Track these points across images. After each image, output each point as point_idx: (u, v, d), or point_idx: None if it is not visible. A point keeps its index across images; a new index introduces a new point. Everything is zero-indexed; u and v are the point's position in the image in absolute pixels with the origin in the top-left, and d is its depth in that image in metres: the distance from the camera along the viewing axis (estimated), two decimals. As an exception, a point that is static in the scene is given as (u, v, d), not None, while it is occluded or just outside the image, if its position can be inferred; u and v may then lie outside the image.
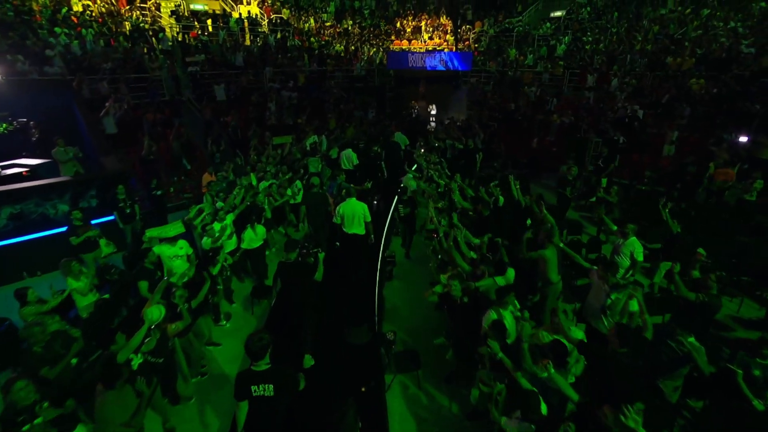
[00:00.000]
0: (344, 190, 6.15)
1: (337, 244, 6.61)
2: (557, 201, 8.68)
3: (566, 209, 8.59)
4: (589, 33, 17.52)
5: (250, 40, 16.68)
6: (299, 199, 8.06)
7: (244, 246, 6.13)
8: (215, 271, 5.11)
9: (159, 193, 8.26)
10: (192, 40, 15.00)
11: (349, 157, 10.16)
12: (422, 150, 10.60)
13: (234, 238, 6.14)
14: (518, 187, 6.69)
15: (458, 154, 11.04)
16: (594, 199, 9.31)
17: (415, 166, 9.96)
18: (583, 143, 11.41)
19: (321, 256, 4.67)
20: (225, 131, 11.18)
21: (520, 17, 21.47)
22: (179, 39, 14.69)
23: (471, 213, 6.00)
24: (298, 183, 8.17)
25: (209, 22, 15.93)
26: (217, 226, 5.80)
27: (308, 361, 4.58)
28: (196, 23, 15.49)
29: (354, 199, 5.96)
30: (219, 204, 6.44)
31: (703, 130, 11.22)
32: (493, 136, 13.90)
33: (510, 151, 14.35)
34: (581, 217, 9.34)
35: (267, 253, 7.47)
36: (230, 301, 6.13)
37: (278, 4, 20.48)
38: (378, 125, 13.92)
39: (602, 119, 12.44)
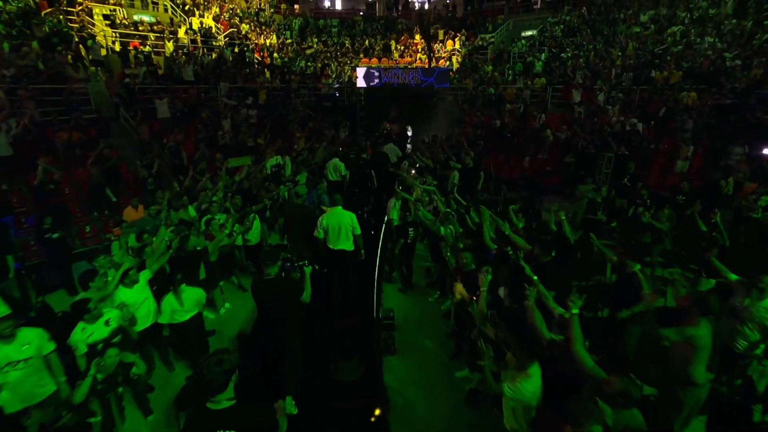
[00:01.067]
0: (329, 198, 5.30)
1: (317, 267, 4.76)
2: (585, 228, 7.14)
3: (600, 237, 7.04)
4: (568, 49, 17.00)
5: (203, 54, 14.71)
6: (255, 239, 6.02)
7: (162, 320, 4.00)
8: (79, 396, 2.92)
9: (56, 236, 5.92)
10: (133, 51, 12.81)
11: (337, 167, 8.91)
12: (412, 172, 8.89)
13: (150, 307, 3.99)
14: (564, 218, 5.00)
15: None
16: (615, 223, 7.89)
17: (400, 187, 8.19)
18: (593, 159, 10.16)
19: (308, 270, 3.80)
20: (163, 152, 8.99)
21: (493, 34, 20.97)
22: (116, 49, 12.46)
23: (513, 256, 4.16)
24: (256, 222, 6.09)
25: (151, 32, 13.84)
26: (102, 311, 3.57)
27: (290, 406, 3.61)
28: (138, 31, 13.34)
29: (340, 207, 5.05)
30: (125, 259, 4.27)
31: (705, 142, 10.39)
32: (481, 156, 12.53)
33: (500, 172, 13.04)
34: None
35: (212, 316, 5.32)
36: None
37: (236, 19, 18.74)
38: (353, 146, 12.17)
39: (601, 133, 11.38)
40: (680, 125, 10.66)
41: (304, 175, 9.65)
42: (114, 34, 12.53)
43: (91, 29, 12.75)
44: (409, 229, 6.34)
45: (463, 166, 10.84)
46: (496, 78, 17.51)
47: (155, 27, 13.40)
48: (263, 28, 19.43)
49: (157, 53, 13.79)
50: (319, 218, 5.08)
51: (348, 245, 5.08)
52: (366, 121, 17.68)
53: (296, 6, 25.13)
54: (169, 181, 7.79)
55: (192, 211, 6.05)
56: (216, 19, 18.01)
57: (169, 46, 13.28)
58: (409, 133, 19.49)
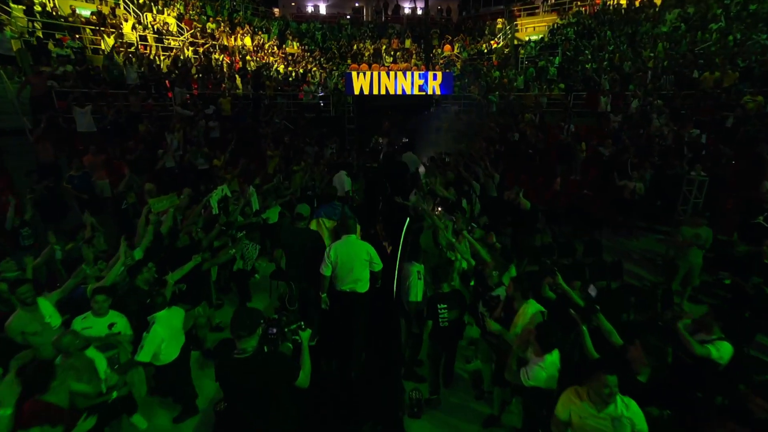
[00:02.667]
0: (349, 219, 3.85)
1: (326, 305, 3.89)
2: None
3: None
4: (587, 51, 14.90)
5: (157, 55, 11.98)
6: (146, 358, 3.22)
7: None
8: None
9: None
10: (52, 43, 9.98)
11: (342, 182, 7.63)
12: (437, 210, 6.20)
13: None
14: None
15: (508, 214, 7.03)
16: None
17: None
18: (673, 183, 7.71)
19: (305, 336, 2.64)
20: (57, 183, 6.15)
21: (495, 38, 18.89)
22: (33, 43, 9.62)
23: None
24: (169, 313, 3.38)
25: (87, 25, 11.03)
26: None
27: None
28: (67, 23, 10.52)
29: (354, 236, 3.84)
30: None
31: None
32: (503, 178, 10.08)
33: (527, 197, 10.57)
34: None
35: None
36: None
37: (203, 17, 16.10)
38: (341, 167, 9.55)
39: (658, 148, 9.04)
40: (763, 136, 8.38)
41: (275, 210, 6.98)
42: (31, 25, 9.71)
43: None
44: (442, 307, 3.75)
45: (485, 194, 8.38)
46: (505, 85, 15.28)
47: (91, 19, 10.68)
48: (237, 29, 16.85)
49: (96, 51, 11.01)
50: (327, 249, 3.83)
51: (361, 286, 3.87)
52: (356, 135, 15.13)
53: (276, 9, 22.74)
54: (46, 228, 4.96)
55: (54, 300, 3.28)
56: (180, 17, 15.32)
57: (108, 41, 10.53)
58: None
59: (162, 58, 12.05)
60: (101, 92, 9.13)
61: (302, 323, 2.69)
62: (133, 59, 10.57)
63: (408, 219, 7.03)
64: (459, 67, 18.23)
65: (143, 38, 12.04)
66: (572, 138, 11.17)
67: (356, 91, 14.01)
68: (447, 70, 18.01)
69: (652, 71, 12.18)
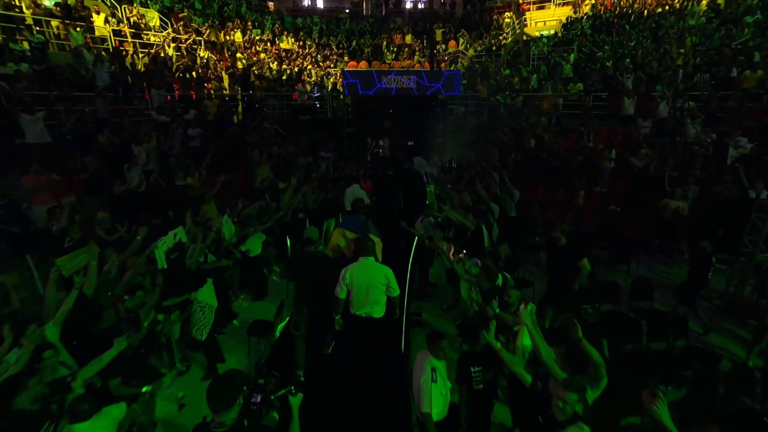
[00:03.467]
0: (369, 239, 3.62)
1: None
2: None
3: None
4: (607, 47, 13.67)
5: (134, 52, 10.76)
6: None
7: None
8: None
9: None
10: (15, 41, 8.78)
11: (356, 194, 7.07)
12: (449, 245, 4.99)
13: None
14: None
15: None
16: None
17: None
18: (734, 205, 6.51)
19: (296, 403, 2.23)
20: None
21: (504, 33, 17.66)
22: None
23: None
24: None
25: (52, 17, 9.78)
26: None
27: None
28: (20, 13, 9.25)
29: (372, 259, 3.60)
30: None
31: None
32: (513, 181, 8.96)
33: (548, 213, 9.43)
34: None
35: None
36: None
37: (191, 11, 14.84)
38: (339, 181, 8.44)
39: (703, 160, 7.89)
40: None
41: (258, 242, 5.87)
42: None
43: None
44: (476, 370, 2.92)
45: (503, 214, 7.25)
46: (515, 84, 14.07)
47: (54, 10, 9.46)
48: (227, 24, 15.58)
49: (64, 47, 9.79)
50: (343, 272, 3.55)
51: (377, 311, 3.62)
52: (354, 140, 13.94)
53: (270, 3, 21.44)
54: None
55: None
56: (165, 12, 14.05)
57: (76, 36, 9.31)
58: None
59: (141, 56, 10.85)
60: (62, 95, 7.95)
61: (292, 387, 2.28)
62: (105, 56, 9.36)
63: (414, 245, 5.93)
64: (465, 64, 17.02)
65: (118, 33, 10.81)
66: (594, 144, 10.02)
67: (356, 90, 12.81)
68: (453, 68, 16.81)
69: (683, 69, 10.97)
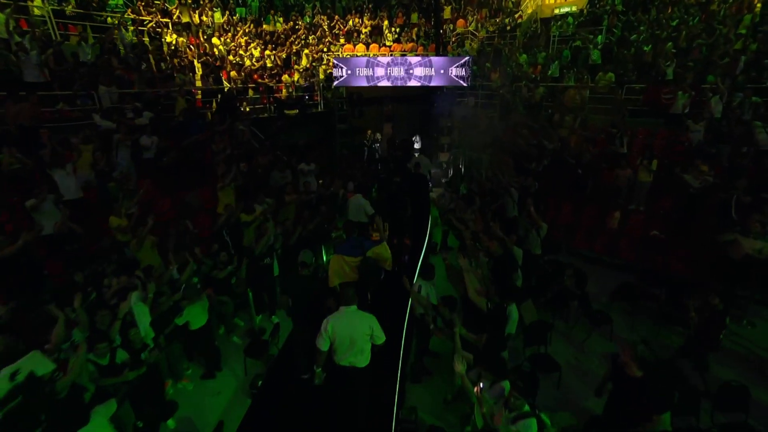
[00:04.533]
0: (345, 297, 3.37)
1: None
2: None
3: None
4: (643, 27, 11.66)
5: (83, 39, 9.04)
6: None
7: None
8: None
9: None
10: None
11: (360, 206, 6.52)
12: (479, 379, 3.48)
13: None
14: None
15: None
16: None
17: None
18: None
19: None
20: None
21: (519, 11, 15.54)
22: None
23: None
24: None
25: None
26: None
27: None
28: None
29: (355, 307, 3.37)
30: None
31: None
32: (537, 205, 7.36)
33: (575, 239, 7.87)
34: None
35: None
36: None
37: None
38: (320, 207, 6.92)
39: None
40: None
41: (200, 310, 4.46)
42: None
43: None
44: None
45: (526, 255, 5.76)
46: (534, 73, 12.17)
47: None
48: (203, 1, 13.64)
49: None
50: (324, 322, 3.29)
51: (361, 360, 3.39)
52: (347, 138, 12.31)
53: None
54: None
55: None
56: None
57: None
58: (417, 145, 14.22)
59: (91, 41, 9.14)
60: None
61: None
62: (30, 44, 7.55)
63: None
64: (475, 47, 15.03)
65: (60, 14, 9.07)
66: (629, 150, 8.36)
67: (349, 80, 11.08)
68: (460, 50, 14.84)
69: (744, 56, 9.07)
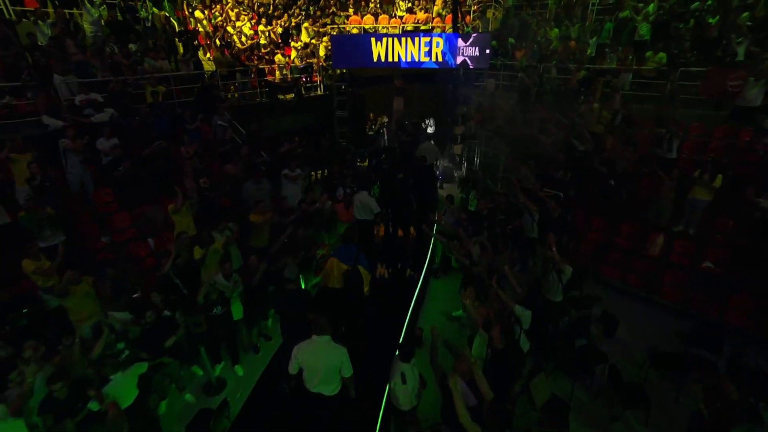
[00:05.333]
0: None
1: None
2: None
3: None
4: (707, -5, 9.57)
5: (39, 17, 7.92)
6: None
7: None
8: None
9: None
10: None
11: (365, 204, 6.17)
12: None
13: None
14: None
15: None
16: None
17: None
18: None
19: None
20: None
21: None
22: None
23: None
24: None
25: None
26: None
27: None
28: None
29: (328, 338, 3.31)
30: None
31: None
32: (563, 225, 6.07)
33: (603, 268, 6.55)
34: None
35: None
36: None
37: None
38: (300, 226, 5.88)
39: None
40: None
41: (130, 383, 3.58)
42: None
43: None
44: None
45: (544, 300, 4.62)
46: (570, 51, 10.34)
47: None
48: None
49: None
50: (296, 348, 3.36)
51: (330, 389, 3.38)
52: (348, 127, 11.01)
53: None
54: None
55: None
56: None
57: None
58: (430, 130, 12.80)
59: (52, 19, 8.02)
60: None
61: None
62: None
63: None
64: (499, 17, 13.08)
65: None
66: (680, 154, 6.82)
67: (348, 62, 9.66)
68: (479, 22, 12.93)
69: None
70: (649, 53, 9.01)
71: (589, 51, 10.07)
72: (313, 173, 10.32)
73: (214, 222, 5.34)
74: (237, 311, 4.92)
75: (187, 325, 4.36)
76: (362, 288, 4.79)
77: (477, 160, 10.48)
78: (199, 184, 5.62)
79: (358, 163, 9.40)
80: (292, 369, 3.36)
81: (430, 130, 13.13)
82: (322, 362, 3.29)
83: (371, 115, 12.97)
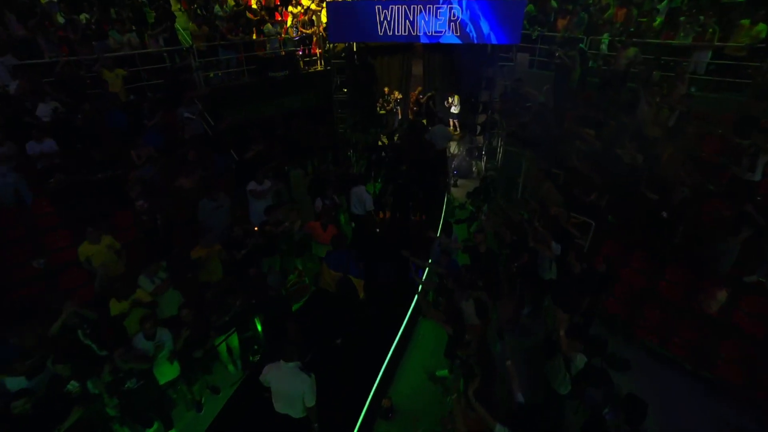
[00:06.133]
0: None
1: None
2: None
3: None
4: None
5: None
6: None
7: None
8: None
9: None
10: None
11: (361, 197, 6.02)
12: None
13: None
14: None
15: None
16: None
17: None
18: None
19: None
20: None
21: None
22: None
23: None
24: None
25: None
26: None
27: None
28: None
29: (293, 365, 3.34)
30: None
31: None
32: (586, 285, 4.66)
33: (639, 322, 5.16)
34: None
35: None
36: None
37: None
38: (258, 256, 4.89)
39: None
40: None
41: None
42: None
43: None
44: None
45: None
46: (616, 26, 8.17)
47: None
48: None
49: None
50: (266, 369, 3.50)
51: (294, 413, 3.49)
52: (348, 111, 9.55)
53: None
54: None
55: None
56: None
57: None
58: (454, 109, 11.25)
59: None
60: None
61: None
62: None
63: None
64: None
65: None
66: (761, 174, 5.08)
67: (347, 35, 8.06)
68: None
69: None
70: (742, 22, 6.80)
71: (657, 20, 7.87)
72: (310, 164, 9.27)
73: (151, 259, 4.39)
74: (170, 371, 4.10)
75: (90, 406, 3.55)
76: (357, 295, 4.74)
77: (499, 157, 8.87)
78: (150, 204, 4.63)
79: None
80: (264, 383, 3.49)
81: (454, 109, 11.46)
82: (285, 388, 3.38)
83: (386, 89, 11.44)
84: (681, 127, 5.87)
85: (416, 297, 4.92)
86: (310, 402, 3.34)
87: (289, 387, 3.35)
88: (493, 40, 7.82)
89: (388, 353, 4.74)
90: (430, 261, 5.38)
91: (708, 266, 5.08)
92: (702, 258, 5.13)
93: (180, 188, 5.21)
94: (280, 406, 3.50)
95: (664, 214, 5.11)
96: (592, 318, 4.92)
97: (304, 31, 9.40)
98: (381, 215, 7.07)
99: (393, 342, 4.86)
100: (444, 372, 4.90)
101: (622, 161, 5.67)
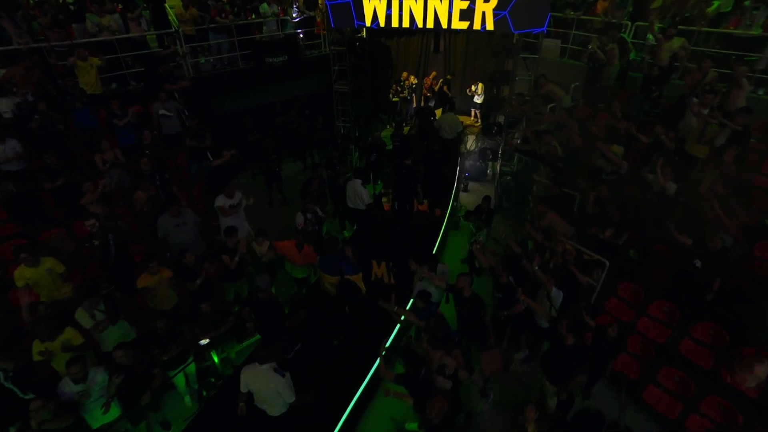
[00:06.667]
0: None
1: None
2: None
3: None
4: None
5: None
6: None
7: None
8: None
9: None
10: None
11: (357, 191, 5.86)
12: None
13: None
14: None
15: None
16: None
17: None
18: None
19: None
20: None
21: None
22: None
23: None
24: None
25: None
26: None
27: None
28: None
29: (268, 366, 3.52)
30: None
31: None
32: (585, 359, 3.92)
33: (660, 405, 4.33)
34: None
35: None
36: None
37: None
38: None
39: None
40: None
41: None
42: None
43: None
44: None
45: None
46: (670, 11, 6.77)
47: None
48: None
49: None
50: (243, 369, 3.69)
51: (272, 411, 3.71)
52: (350, 105, 8.71)
53: None
54: None
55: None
56: None
57: None
58: (477, 99, 10.32)
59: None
60: None
61: None
62: None
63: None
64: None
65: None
66: None
67: (350, 20, 7.13)
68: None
69: None
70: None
71: (714, 4, 6.44)
72: (309, 158, 8.67)
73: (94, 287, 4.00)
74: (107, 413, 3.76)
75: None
76: (360, 292, 4.71)
77: (516, 160, 7.87)
78: (102, 222, 4.20)
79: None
80: (242, 387, 3.64)
81: (477, 99, 10.43)
82: (262, 387, 3.58)
83: (404, 74, 10.59)
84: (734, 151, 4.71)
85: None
86: (289, 398, 3.56)
87: (265, 386, 3.55)
88: (511, 28, 6.62)
89: (352, 398, 4.23)
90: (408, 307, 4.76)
91: (749, 330, 4.15)
92: (742, 318, 4.20)
93: (136, 202, 4.73)
94: (258, 402, 3.70)
95: (698, 264, 4.15)
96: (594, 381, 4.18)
97: (305, 11, 8.51)
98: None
99: (360, 384, 4.33)
100: (413, 426, 4.35)
101: (651, 190, 4.66)
